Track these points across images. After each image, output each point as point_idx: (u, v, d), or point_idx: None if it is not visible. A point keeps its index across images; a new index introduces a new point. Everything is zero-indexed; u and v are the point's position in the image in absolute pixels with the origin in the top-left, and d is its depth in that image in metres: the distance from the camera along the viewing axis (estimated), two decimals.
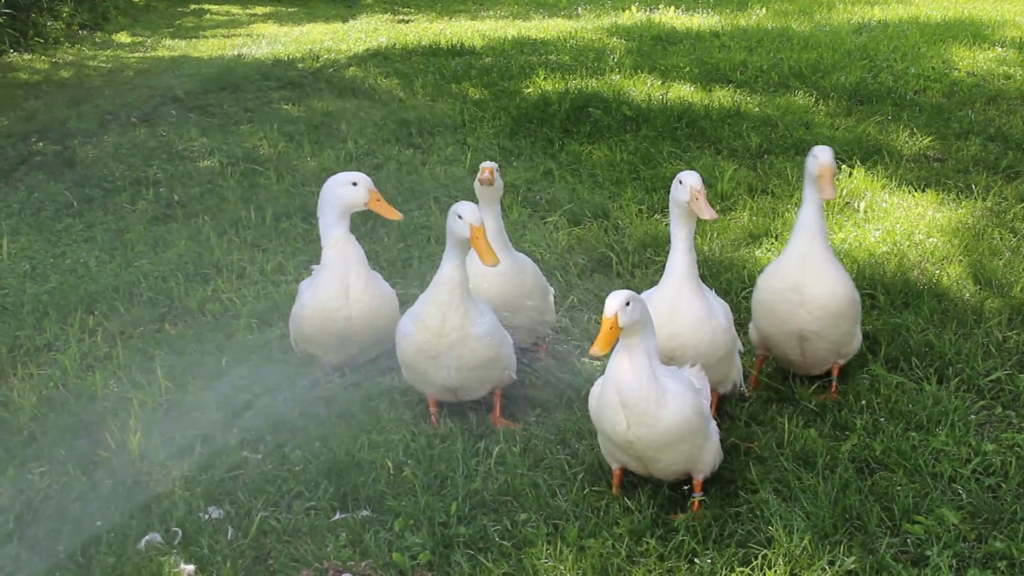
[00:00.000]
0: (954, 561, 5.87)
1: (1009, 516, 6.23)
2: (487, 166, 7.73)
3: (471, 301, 7.14)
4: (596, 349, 6.06)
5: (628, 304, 6.03)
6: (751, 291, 8.93)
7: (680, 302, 6.96)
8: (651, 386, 6.09)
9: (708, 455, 6.39)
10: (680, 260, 7.00)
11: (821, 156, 7.40)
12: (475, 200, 7.55)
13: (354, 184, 7.70)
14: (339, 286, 7.75)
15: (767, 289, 7.60)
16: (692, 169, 11.83)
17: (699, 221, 7.34)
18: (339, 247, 7.74)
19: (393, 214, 7.74)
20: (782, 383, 7.82)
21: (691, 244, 7.01)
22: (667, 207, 10.96)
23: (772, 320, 7.58)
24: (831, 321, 7.41)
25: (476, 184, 7.81)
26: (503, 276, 7.84)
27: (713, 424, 6.48)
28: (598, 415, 6.34)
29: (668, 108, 14.70)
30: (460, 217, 6.90)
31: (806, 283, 7.37)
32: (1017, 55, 17.41)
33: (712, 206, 7.01)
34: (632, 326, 6.06)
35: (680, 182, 6.95)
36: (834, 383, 7.70)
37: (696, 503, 6.39)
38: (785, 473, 6.68)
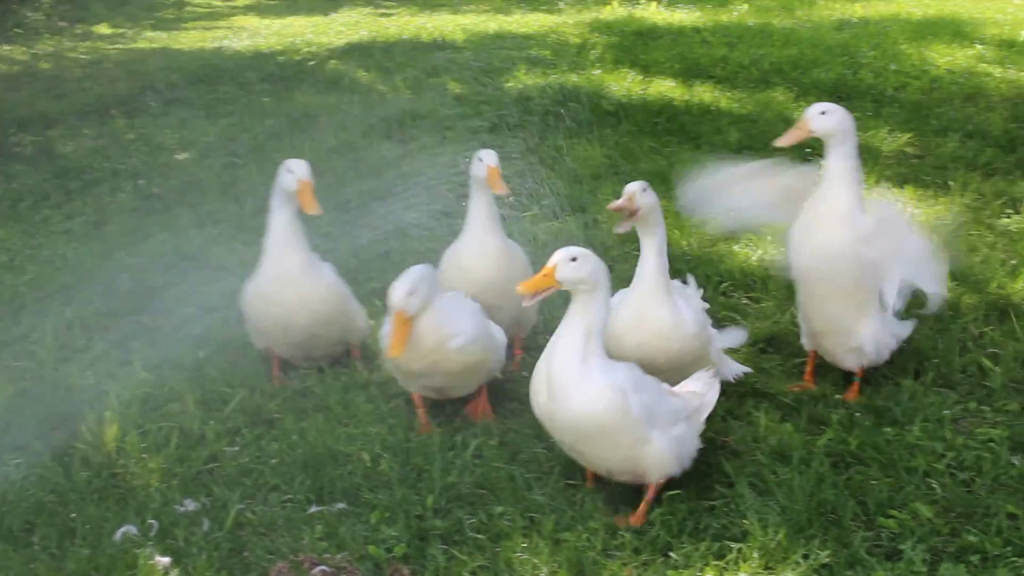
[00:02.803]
0: (928, 555, 5.87)
1: (983, 510, 6.24)
2: (492, 165, 7.76)
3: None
4: (520, 287, 6.13)
5: (574, 260, 6.04)
6: (728, 286, 9.02)
7: (647, 312, 6.96)
8: (573, 363, 6.05)
9: (649, 461, 6.26)
10: (648, 268, 7.02)
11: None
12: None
13: (289, 171, 7.70)
14: (276, 270, 7.78)
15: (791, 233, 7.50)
16: (672, 165, 11.89)
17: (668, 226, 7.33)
18: (279, 231, 7.76)
19: (312, 208, 7.64)
20: (758, 377, 7.84)
21: (660, 250, 7.03)
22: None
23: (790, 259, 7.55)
24: (829, 265, 7.28)
25: (474, 171, 7.84)
26: (494, 258, 7.88)
27: (672, 433, 6.33)
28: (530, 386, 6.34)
29: (648, 103, 14.72)
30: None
31: (812, 222, 7.31)
32: (996, 53, 17.45)
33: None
34: (572, 285, 6.06)
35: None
36: (856, 383, 7.65)
37: (643, 507, 6.33)
38: (761, 467, 6.69)
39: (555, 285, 6.09)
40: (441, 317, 7.02)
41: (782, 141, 7.49)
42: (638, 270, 7.06)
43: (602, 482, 6.59)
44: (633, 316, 6.97)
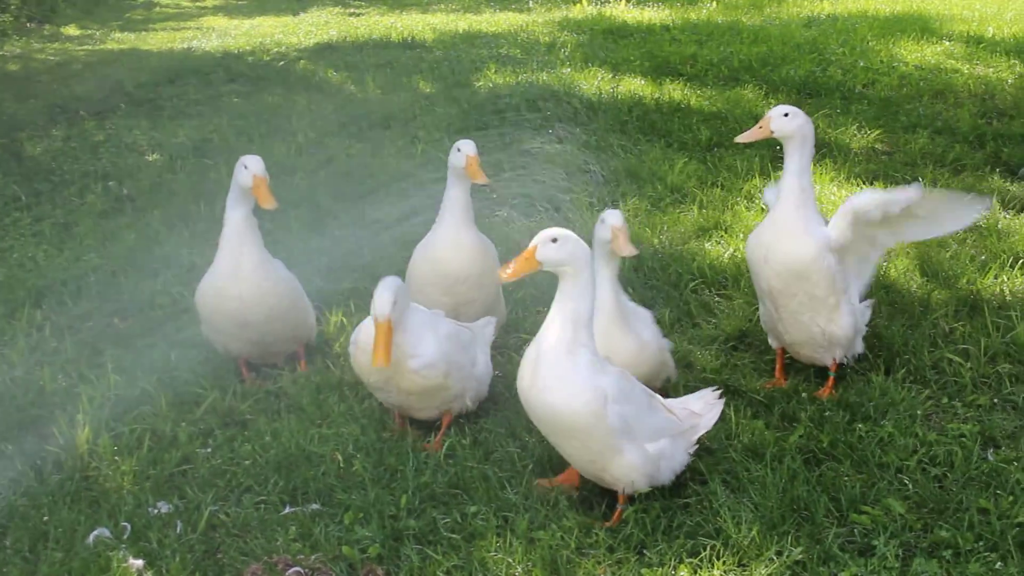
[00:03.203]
0: (900, 550, 5.91)
1: (954, 506, 6.28)
2: (472, 154, 7.75)
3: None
4: (503, 270, 6.06)
5: (555, 241, 5.99)
6: (699, 284, 9.05)
7: (612, 343, 6.95)
8: (560, 353, 6.03)
9: (618, 472, 6.24)
10: (606, 297, 7.00)
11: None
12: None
13: (245, 167, 7.67)
14: (231, 266, 7.74)
15: (747, 247, 7.68)
16: (643, 163, 11.91)
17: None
18: (234, 227, 7.73)
19: (267, 202, 7.58)
20: (730, 374, 7.87)
21: (615, 276, 7.05)
22: (615, 201, 11.06)
23: (753, 276, 7.69)
24: (793, 280, 7.39)
25: (453, 161, 7.82)
26: (468, 251, 7.88)
27: (650, 449, 6.29)
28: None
29: (618, 101, 14.73)
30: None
31: (772, 242, 7.39)
32: (964, 49, 17.54)
33: (632, 243, 6.97)
34: (554, 266, 6.01)
35: (602, 221, 6.98)
36: (831, 378, 7.68)
37: (617, 512, 6.35)
38: (734, 464, 6.71)
39: (536, 267, 6.05)
40: (406, 334, 6.94)
41: (743, 138, 7.62)
42: (596, 302, 6.99)
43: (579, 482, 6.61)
44: (599, 347, 6.92)
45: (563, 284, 6.07)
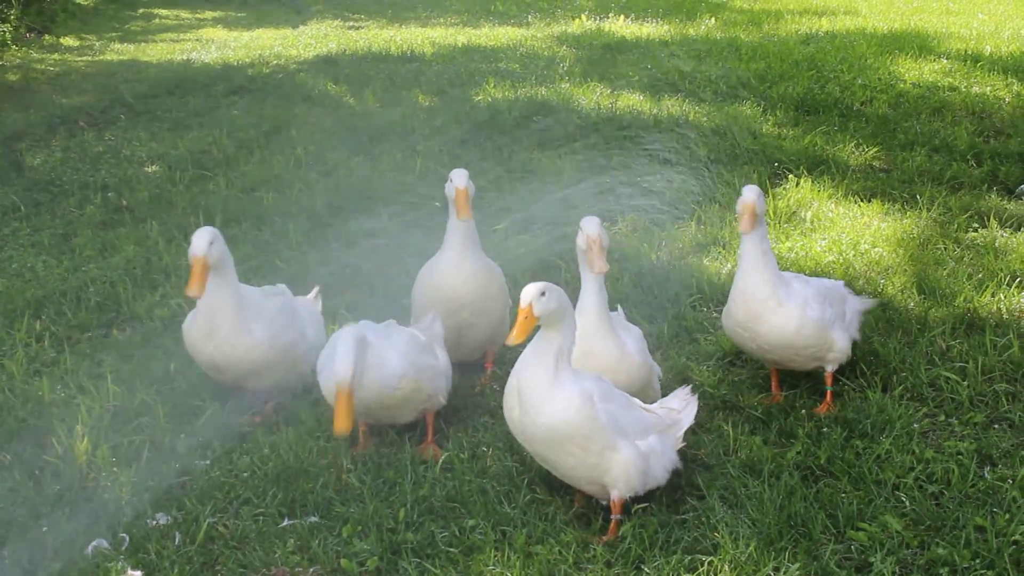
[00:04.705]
0: (897, 568, 5.93)
1: (951, 523, 6.29)
2: (460, 187, 7.70)
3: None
4: (510, 339, 6.08)
5: (543, 294, 6.06)
6: (698, 299, 9.07)
7: (594, 345, 6.94)
8: (544, 378, 6.12)
9: (617, 470, 6.26)
10: (591, 301, 6.99)
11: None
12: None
13: (211, 244, 7.25)
14: (206, 327, 7.46)
15: (725, 329, 7.85)
16: (637, 178, 11.93)
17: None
18: (212, 290, 7.35)
19: (189, 288, 7.12)
20: (727, 389, 7.89)
21: (602, 284, 7.01)
22: (614, 216, 11.08)
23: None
24: (788, 352, 7.57)
25: (447, 191, 7.80)
26: (471, 278, 7.87)
27: (641, 446, 6.35)
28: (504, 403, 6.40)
29: (617, 116, 14.76)
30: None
31: (751, 323, 7.54)
32: (962, 67, 17.57)
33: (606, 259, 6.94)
34: (549, 316, 6.08)
35: (581, 228, 6.98)
36: (829, 392, 7.73)
37: (613, 524, 6.37)
38: (731, 480, 6.72)
39: (536, 322, 6.10)
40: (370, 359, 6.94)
41: (745, 228, 7.50)
42: (579, 305, 6.98)
43: (573, 494, 6.61)
44: (579, 351, 6.85)
45: (548, 326, 6.16)
